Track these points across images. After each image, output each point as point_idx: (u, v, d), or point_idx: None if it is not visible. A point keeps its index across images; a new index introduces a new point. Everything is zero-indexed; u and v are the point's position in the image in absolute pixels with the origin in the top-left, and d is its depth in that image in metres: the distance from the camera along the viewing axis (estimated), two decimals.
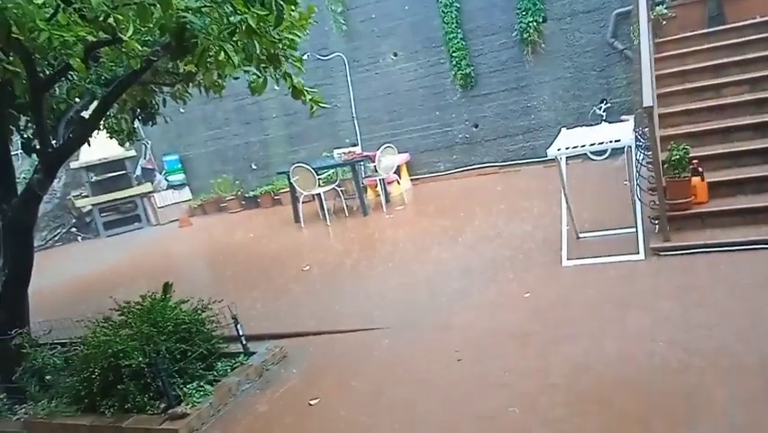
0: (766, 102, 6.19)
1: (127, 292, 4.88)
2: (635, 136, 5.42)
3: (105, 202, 13.54)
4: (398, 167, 10.58)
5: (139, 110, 6.42)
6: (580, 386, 3.53)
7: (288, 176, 9.78)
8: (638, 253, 5.25)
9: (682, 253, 5.12)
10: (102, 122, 6.21)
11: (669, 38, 7.79)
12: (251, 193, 13.09)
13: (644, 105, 5.23)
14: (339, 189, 10.10)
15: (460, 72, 10.81)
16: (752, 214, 5.21)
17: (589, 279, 5.12)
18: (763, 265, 4.60)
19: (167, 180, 13.92)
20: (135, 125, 7.22)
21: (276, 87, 4.96)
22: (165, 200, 13.79)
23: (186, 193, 14.01)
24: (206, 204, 13.56)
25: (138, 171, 14.06)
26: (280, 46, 4.23)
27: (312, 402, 3.99)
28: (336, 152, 10.29)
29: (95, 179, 13.55)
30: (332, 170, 10.66)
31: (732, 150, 5.90)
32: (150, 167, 14.12)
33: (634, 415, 3.14)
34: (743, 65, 6.81)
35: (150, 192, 13.76)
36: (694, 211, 5.42)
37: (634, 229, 5.44)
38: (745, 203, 5.31)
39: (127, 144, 9.29)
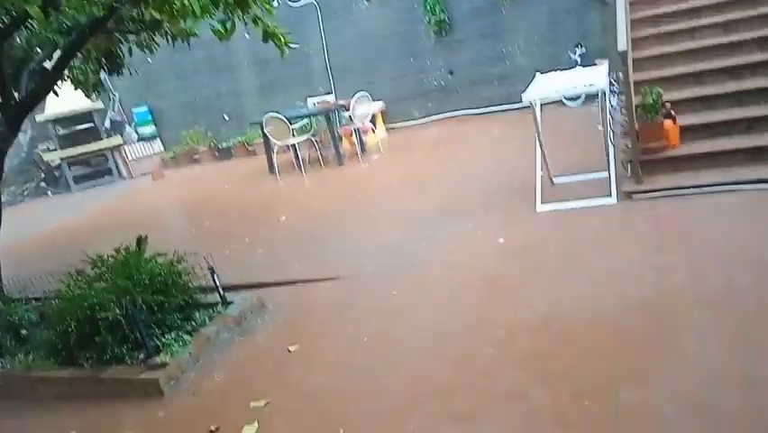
0: (739, 45, 6.20)
1: (101, 247, 4.82)
2: (609, 81, 5.42)
3: (74, 156, 13.24)
4: (373, 115, 10.47)
5: (104, 60, 6.22)
6: (553, 327, 3.61)
7: (262, 126, 9.62)
8: (611, 196, 5.32)
9: (654, 197, 5.20)
10: (66, 72, 6.02)
11: None
12: (225, 144, 12.88)
13: (619, 50, 5.21)
14: (314, 139, 9.99)
15: (434, 18, 10.61)
16: (722, 156, 5.29)
17: (563, 223, 5.20)
18: (731, 207, 4.71)
19: (137, 133, 13.62)
20: (101, 76, 7.01)
21: (246, 36, 4.83)
22: (136, 153, 13.53)
23: (157, 145, 13.75)
24: (179, 156, 13.34)
25: (107, 124, 13.72)
26: None
27: (291, 348, 4.04)
28: (310, 101, 10.13)
29: (62, 132, 13.19)
30: (306, 120, 10.52)
31: (704, 93, 5.93)
32: (119, 119, 13.78)
33: (603, 353, 3.23)
34: (717, 8, 6.78)
35: (120, 145, 13.47)
36: (666, 155, 5.48)
37: (607, 173, 5.49)
38: (716, 146, 5.38)
39: (94, 96, 9.03)
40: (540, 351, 3.39)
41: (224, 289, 4.80)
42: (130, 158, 13.47)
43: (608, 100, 5.51)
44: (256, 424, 3.27)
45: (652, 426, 2.62)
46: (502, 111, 10.54)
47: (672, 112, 5.51)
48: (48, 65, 5.36)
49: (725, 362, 2.93)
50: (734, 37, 6.30)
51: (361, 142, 10.01)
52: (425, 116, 11.38)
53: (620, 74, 5.41)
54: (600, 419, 2.72)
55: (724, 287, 3.61)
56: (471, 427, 2.87)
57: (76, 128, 13.16)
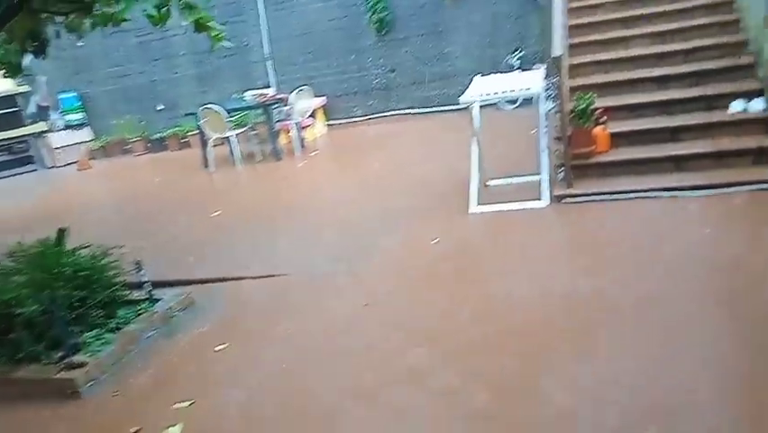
0: (667, 55, 6.46)
1: (19, 240, 4.54)
2: (546, 85, 5.53)
3: None
4: (314, 111, 10.35)
5: (29, 41, 5.88)
6: (482, 325, 3.65)
7: (197, 118, 9.36)
8: (541, 199, 5.43)
9: (582, 201, 5.34)
10: None
11: None
12: (158, 135, 12.47)
13: (554, 56, 5.32)
14: (251, 133, 9.78)
15: (375, 16, 10.58)
16: (647, 164, 5.48)
17: (495, 225, 5.28)
18: (652, 212, 4.90)
19: (63, 120, 13.00)
20: (25, 59, 6.63)
21: (183, 23, 4.66)
22: (62, 141, 12.90)
23: (86, 133, 13.16)
24: (109, 146, 12.82)
25: (32, 109, 13.03)
26: None
27: (217, 349, 3.91)
28: (248, 93, 9.92)
29: None
30: (244, 113, 10.29)
31: (634, 102, 6.13)
32: (45, 104, 13.12)
33: (526, 351, 3.30)
34: (649, 18, 7.03)
35: (44, 132, 12.82)
36: (595, 160, 5.63)
37: (539, 177, 5.60)
38: (642, 153, 5.57)
39: (18, 79, 8.54)
40: (468, 349, 3.42)
41: (152, 285, 4.63)
42: (54, 146, 12.83)
43: (542, 104, 5.61)
44: (180, 425, 3.16)
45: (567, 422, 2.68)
46: (442, 111, 10.62)
47: (603, 118, 5.66)
48: None
49: (631, 360, 3.06)
50: (663, 48, 6.55)
51: (300, 138, 9.88)
52: (366, 114, 11.34)
53: (555, 79, 5.52)
54: (525, 415, 2.77)
55: (640, 289, 3.75)
56: (404, 420, 2.87)
57: None
